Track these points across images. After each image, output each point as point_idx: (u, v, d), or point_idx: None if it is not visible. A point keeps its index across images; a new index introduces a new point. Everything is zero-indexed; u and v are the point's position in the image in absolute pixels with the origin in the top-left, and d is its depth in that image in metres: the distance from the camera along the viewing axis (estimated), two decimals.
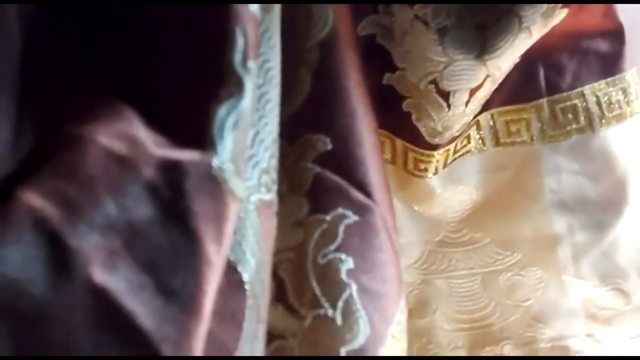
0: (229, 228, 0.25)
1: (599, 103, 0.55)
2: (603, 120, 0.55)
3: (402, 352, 0.34)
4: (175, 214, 0.23)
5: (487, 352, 0.60)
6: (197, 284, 0.23)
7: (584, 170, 0.56)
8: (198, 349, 0.23)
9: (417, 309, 0.59)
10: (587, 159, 0.56)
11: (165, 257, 0.23)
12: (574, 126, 0.55)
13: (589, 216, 0.57)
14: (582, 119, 0.55)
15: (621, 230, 0.57)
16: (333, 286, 0.34)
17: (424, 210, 0.58)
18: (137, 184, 0.23)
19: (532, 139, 0.56)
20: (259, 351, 0.30)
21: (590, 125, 0.55)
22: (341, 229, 0.35)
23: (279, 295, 0.35)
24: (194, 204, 0.23)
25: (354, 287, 0.34)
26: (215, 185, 0.24)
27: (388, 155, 0.54)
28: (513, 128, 0.56)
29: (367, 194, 0.37)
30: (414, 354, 0.59)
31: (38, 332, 0.20)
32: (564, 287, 0.58)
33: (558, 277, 0.58)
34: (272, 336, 0.33)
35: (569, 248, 0.58)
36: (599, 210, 0.57)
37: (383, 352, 0.33)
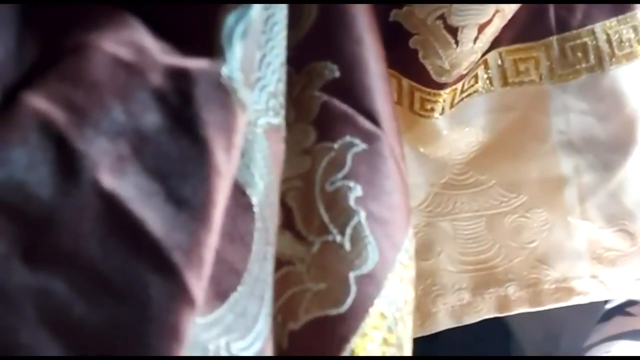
0: (239, 139, 0.24)
1: (609, 41, 0.54)
2: (613, 59, 0.54)
3: (409, 280, 0.34)
4: (184, 122, 0.23)
5: (491, 293, 0.60)
6: (207, 193, 0.22)
7: (593, 110, 0.55)
8: (208, 260, 0.22)
9: (422, 251, 0.59)
10: (596, 99, 0.55)
11: (174, 165, 0.22)
12: (583, 65, 0.54)
13: (596, 157, 0.56)
14: (591, 57, 0.54)
15: (629, 171, 0.56)
16: (341, 213, 0.33)
17: (429, 152, 0.58)
18: (145, 91, 0.22)
19: (540, 78, 0.55)
20: (268, 273, 0.30)
21: (600, 64, 0.54)
22: (349, 157, 0.35)
23: (287, 222, 0.34)
24: (203, 112, 0.23)
25: (362, 214, 0.33)
26: (224, 94, 0.23)
27: (394, 96, 0.53)
28: (521, 67, 0.55)
29: (375, 122, 0.36)
30: (419, 296, 0.59)
31: (46, 236, 0.20)
32: (570, 229, 0.58)
33: (564, 218, 0.58)
34: (280, 263, 0.33)
35: (576, 189, 0.57)
36: (607, 150, 0.56)
37: (391, 279, 0.33)
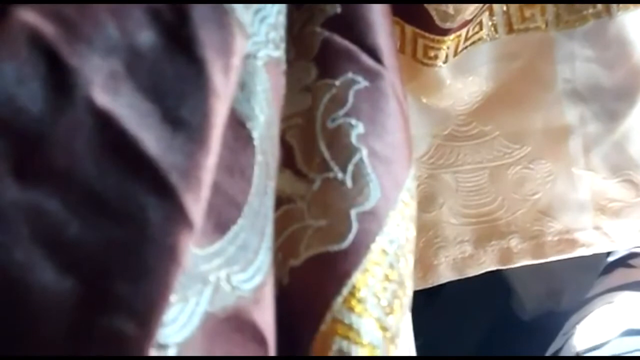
0: (237, 61, 0.24)
1: None
2: (620, 5, 0.53)
3: (411, 218, 0.33)
4: (181, 41, 0.22)
5: (493, 245, 0.59)
6: (205, 115, 0.22)
7: (599, 57, 0.54)
8: (206, 182, 0.22)
9: (424, 203, 0.59)
10: (603, 46, 0.54)
11: (170, 85, 0.21)
12: (590, 10, 0.53)
13: (601, 106, 0.56)
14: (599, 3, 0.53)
15: (634, 120, 0.56)
16: (343, 150, 0.33)
17: (432, 103, 0.57)
18: (139, 7, 0.21)
19: (546, 25, 0.54)
20: (269, 207, 0.29)
21: (608, 9, 0.53)
22: (351, 94, 0.34)
23: (287, 160, 0.34)
24: (200, 32, 0.22)
25: (364, 152, 0.33)
26: (222, 13, 0.23)
27: (397, 44, 0.52)
28: (527, 13, 0.54)
29: (377, 59, 0.35)
30: (420, 248, 0.59)
31: (39, 153, 0.20)
32: (573, 180, 0.58)
33: (568, 169, 0.58)
34: (280, 201, 0.32)
35: (580, 139, 0.57)
36: (613, 99, 0.55)
37: (393, 216, 0.32)
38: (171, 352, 0.24)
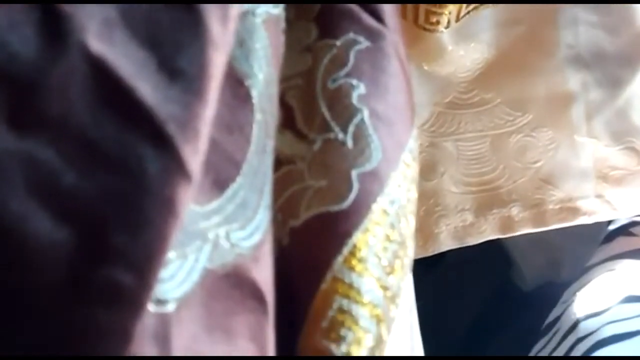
0: (235, 11, 0.23)
1: None
2: None
3: (413, 179, 0.33)
4: None
5: (494, 214, 0.59)
6: (203, 65, 0.21)
7: (603, 22, 0.54)
8: (204, 134, 0.21)
9: (425, 172, 0.58)
10: (607, 11, 0.53)
11: (167, 33, 0.21)
12: None
13: (604, 72, 0.55)
14: None
15: (637, 87, 0.55)
16: (344, 111, 0.32)
17: (433, 70, 0.56)
18: None
19: None
20: (268, 166, 0.29)
21: None
22: (352, 54, 0.34)
23: (287, 121, 0.33)
24: None
25: (365, 112, 0.32)
26: None
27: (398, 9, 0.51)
28: None
29: (379, 18, 0.35)
30: (421, 217, 0.59)
31: (33, 100, 0.19)
32: (576, 148, 0.57)
33: (570, 137, 0.57)
34: (280, 162, 0.32)
35: (583, 106, 0.56)
36: (616, 65, 0.55)
37: (394, 177, 0.32)
38: (170, 308, 0.23)
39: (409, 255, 0.32)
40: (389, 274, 0.30)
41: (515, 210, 0.58)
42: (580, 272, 0.61)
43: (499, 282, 0.81)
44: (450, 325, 0.78)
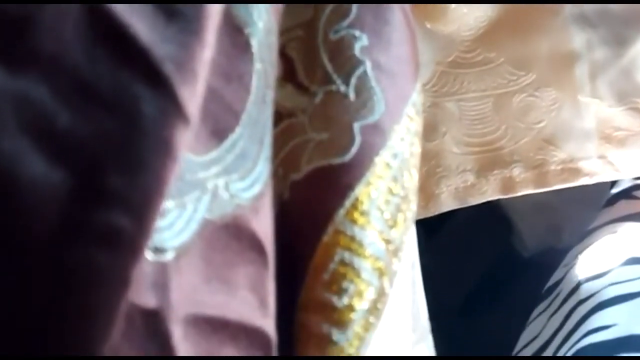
0: None
1: None
2: None
3: (417, 133, 0.32)
4: None
5: (496, 174, 0.58)
6: (201, 6, 0.21)
7: None
8: (202, 76, 0.21)
9: (426, 132, 0.57)
10: None
11: None
12: None
13: (609, 31, 0.54)
14: None
15: None
16: (346, 62, 0.31)
17: (436, 28, 0.55)
18: None
19: None
20: (268, 117, 0.28)
21: None
22: (354, 5, 0.33)
23: (288, 74, 0.32)
24: None
25: (368, 64, 0.31)
26: None
27: None
28: None
29: None
30: (422, 177, 0.58)
31: (25, 37, 0.18)
32: (579, 108, 0.57)
33: (573, 97, 0.56)
34: (280, 116, 0.31)
35: (587, 65, 0.55)
36: (621, 24, 0.54)
37: (397, 130, 0.31)
38: (169, 256, 0.23)
39: (412, 209, 0.31)
40: (391, 227, 0.29)
41: (516, 171, 0.58)
42: (582, 235, 0.61)
43: (499, 248, 0.81)
44: (450, 290, 0.78)
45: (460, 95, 0.58)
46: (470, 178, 0.58)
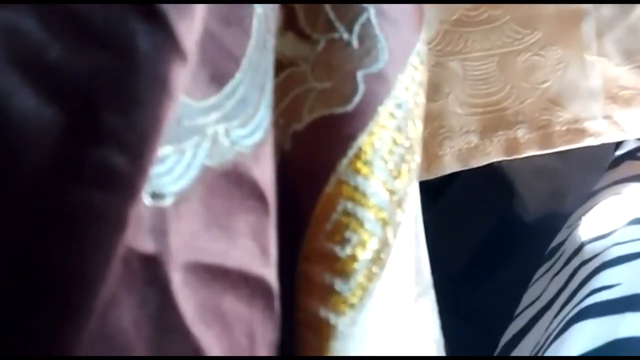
0: None
1: None
2: None
3: (421, 83, 0.31)
4: None
5: (500, 135, 0.58)
6: None
7: None
8: (199, 12, 0.20)
9: (429, 92, 0.56)
10: None
11: None
12: None
13: None
14: None
15: None
16: (348, 10, 0.30)
17: None
18: None
19: None
20: (269, 63, 0.27)
21: None
22: None
23: (289, 22, 0.31)
24: None
25: (371, 11, 0.30)
26: None
27: None
28: None
29: None
30: (425, 138, 0.57)
31: None
32: (585, 67, 0.56)
33: (580, 56, 0.55)
34: (281, 65, 0.31)
35: (593, 23, 0.54)
36: None
37: (401, 80, 0.30)
38: (168, 202, 0.22)
39: (416, 160, 0.30)
40: (395, 177, 0.29)
41: (521, 132, 0.57)
42: (585, 197, 0.60)
43: (501, 213, 0.81)
44: (450, 256, 0.78)
45: (464, 55, 0.57)
46: (474, 139, 0.58)
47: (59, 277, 0.18)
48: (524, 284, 0.62)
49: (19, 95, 0.17)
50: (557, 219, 0.68)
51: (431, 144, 0.57)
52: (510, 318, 0.60)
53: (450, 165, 0.58)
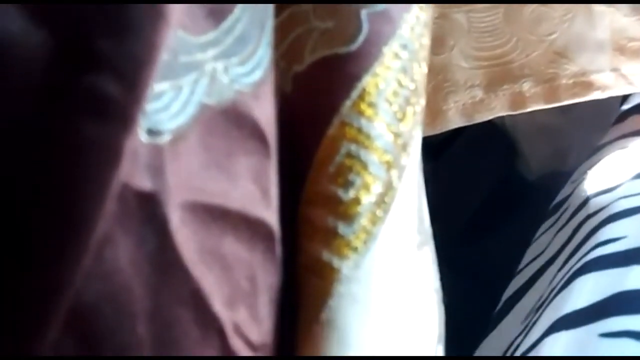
0: None
1: None
2: None
3: (426, 23, 0.30)
4: None
5: (505, 89, 0.57)
6: None
7: None
8: None
9: (434, 45, 0.55)
10: None
11: None
12: None
13: None
14: None
15: None
16: None
17: None
18: None
19: None
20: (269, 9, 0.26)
21: None
22: None
23: None
24: None
25: None
26: None
27: None
28: None
29: None
30: (429, 93, 0.56)
31: None
32: (593, 18, 0.54)
33: (587, 6, 0.54)
34: (281, 4, 0.29)
35: None
36: None
37: (407, 19, 0.29)
38: (165, 139, 0.21)
39: (421, 104, 0.29)
40: (400, 120, 0.28)
41: (526, 86, 0.56)
42: (591, 151, 0.60)
43: (503, 171, 0.80)
44: (451, 214, 0.77)
45: (469, 6, 0.55)
46: (479, 93, 0.57)
47: (48, 211, 0.17)
48: (525, 241, 0.61)
49: (5, 16, 0.16)
50: (560, 178, 0.67)
51: (435, 99, 0.56)
52: (512, 274, 0.59)
53: (454, 120, 0.57)
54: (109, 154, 0.17)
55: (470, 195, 0.80)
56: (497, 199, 0.79)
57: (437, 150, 0.78)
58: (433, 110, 0.56)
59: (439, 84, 0.56)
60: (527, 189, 0.78)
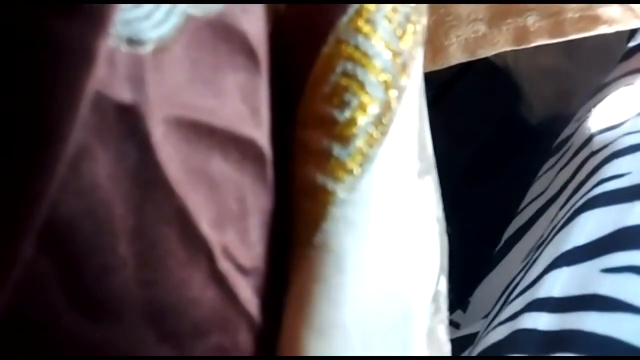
0: None
1: None
2: None
3: None
4: None
5: (508, 24, 0.55)
6: None
7: None
8: None
9: None
10: None
11: None
12: None
13: None
14: None
15: None
16: None
17: None
18: None
19: None
20: None
21: None
22: None
23: None
24: None
25: None
26: None
27: None
28: None
29: None
30: (431, 28, 0.54)
31: None
32: None
33: None
34: None
35: None
36: None
37: None
38: (147, 49, 0.20)
39: (422, 22, 0.28)
40: (400, 38, 0.26)
41: (531, 20, 0.54)
42: (596, 89, 0.58)
43: (505, 114, 0.79)
44: (453, 157, 0.76)
45: None
46: (482, 28, 0.55)
47: (16, 114, 0.16)
48: (528, 183, 0.60)
49: None
50: (564, 121, 0.66)
51: (437, 33, 0.55)
52: (512, 215, 0.59)
53: (456, 55, 0.55)
54: (80, 54, 0.16)
55: (473, 138, 0.79)
56: (500, 142, 0.78)
57: (439, 93, 0.76)
58: (434, 46, 0.55)
59: (440, 18, 0.55)
60: (531, 131, 0.77)
